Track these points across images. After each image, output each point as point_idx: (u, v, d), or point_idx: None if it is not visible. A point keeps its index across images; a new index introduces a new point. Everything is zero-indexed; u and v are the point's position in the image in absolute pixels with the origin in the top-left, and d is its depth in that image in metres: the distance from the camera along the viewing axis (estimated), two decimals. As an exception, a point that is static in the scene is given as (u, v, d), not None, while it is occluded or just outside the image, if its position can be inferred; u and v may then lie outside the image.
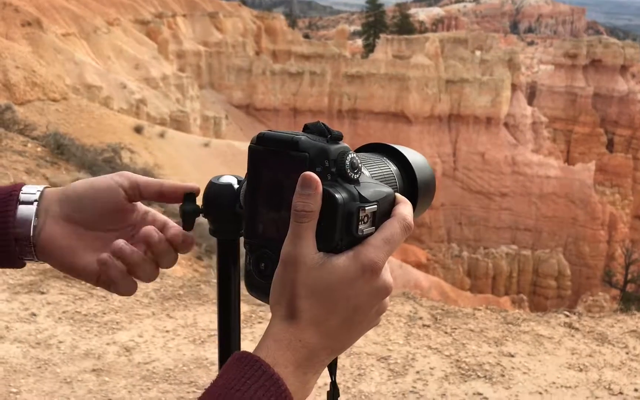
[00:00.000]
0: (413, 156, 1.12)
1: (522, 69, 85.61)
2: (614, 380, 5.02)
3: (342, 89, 67.47)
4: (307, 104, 67.11)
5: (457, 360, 5.18)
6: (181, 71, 59.20)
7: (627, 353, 5.50)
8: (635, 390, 4.95)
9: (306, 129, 1.01)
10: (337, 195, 0.91)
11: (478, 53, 68.83)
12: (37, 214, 1.05)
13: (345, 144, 0.98)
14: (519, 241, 67.72)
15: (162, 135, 36.58)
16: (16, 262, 1.07)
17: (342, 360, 5.18)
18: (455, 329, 5.69)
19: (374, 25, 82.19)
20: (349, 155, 0.95)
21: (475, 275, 58.73)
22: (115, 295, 5.53)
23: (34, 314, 5.76)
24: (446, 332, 5.63)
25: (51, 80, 32.54)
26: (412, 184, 1.10)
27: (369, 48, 78.89)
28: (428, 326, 5.71)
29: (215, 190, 1.09)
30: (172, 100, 52.09)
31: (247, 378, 0.84)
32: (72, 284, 6.33)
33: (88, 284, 6.14)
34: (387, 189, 0.98)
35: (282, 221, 0.95)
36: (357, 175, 0.95)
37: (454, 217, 70.11)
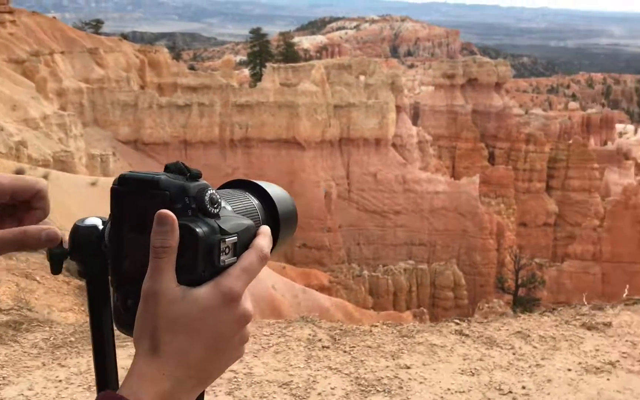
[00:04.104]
0: (274, 190, 1.22)
1: (405, 91, 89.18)
2: (503, 380, 5.24)
3: (232, 119, 67.23)
4: (197, 136, 66.25)
5: (357, 378, 5.21)
6: (62, 110, 56.67)
7: (513, 354, 5.75)
8: (523, 387, 5.18)
9: (167, 169, 1.08)
10: (197, 230, 0.99)
11: (362, 78, 71.00)
12: None
13: (205, 181, 1.05)
14: (415, 256, 69.94)
15: (45, 177, 34.75)
16: None
17: (244, 390, 5.06)
18: (354, 347, 5.73)
19: (260, 55, 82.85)
20: (208, 191, 1.03)
21: (377, 293, 59.90)
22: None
23: None
24: (345, 351, 5.66)
25: None
26: (274, 217, 1.19)
27: (257, 77, 79.33)
28: (327, 347, 5.72)
29: (81, 232, 1.12)
30: (54, 141, 49.69)
31: None
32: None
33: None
34: (248, 222, 1.07)
35: (147, 258, 1.00)
36: (217, 210, 1.03)
37: (353, 237, 71.39)
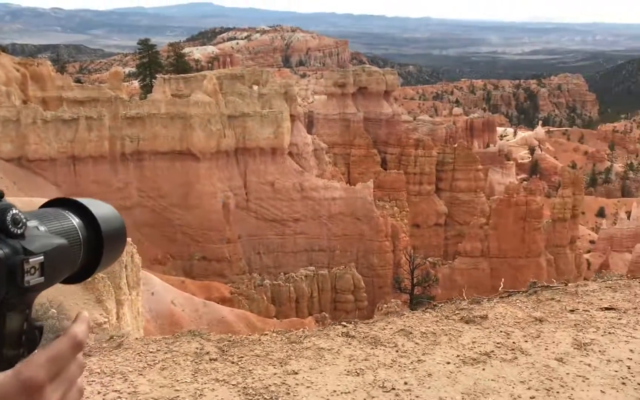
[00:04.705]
0: (98, 208, 1.19)
1: (299, 100, 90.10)
2: (386, 378, 5.43)
3: (123, 132, 65.06)
4: (86, 150, 63.57)
5: (245, 388, 5.22)
6: None
7: (397, 351, 5.98)
8: (405, 383, 5.40)
9: None
10: None
11: (256, 88, 70.98)
12: None
13: (7, 201, 1.03)
14: (316, 262, 70.67)
15: None
16: None
17: (131, 412, 4.92)
18: (242, 357, 5.74)
19: (149, 66, 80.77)
20: (11, 211, 1.00)
21: (280, 301, 59.94)
22: None
23: None
24: (233, 362, 5.65)
25: None
26: (97, 235, 1.17)
27: (147, 89, 77.26)
28: (215, 359, 5.69)
29: None
30: None
31: None
32: None
33: None
34: (59, 241, 1.05)
35: None
36: (22, 230, 1.00)
37: (252, 247, 71.03)
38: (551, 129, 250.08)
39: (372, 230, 73.29)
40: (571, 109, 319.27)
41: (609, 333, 6.78)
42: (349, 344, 6.08)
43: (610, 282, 8.77)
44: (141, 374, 5.39)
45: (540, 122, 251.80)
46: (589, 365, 6.01)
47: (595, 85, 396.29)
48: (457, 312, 7.17)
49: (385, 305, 52.85)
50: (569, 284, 8.60)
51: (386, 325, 6.53)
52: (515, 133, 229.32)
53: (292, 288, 61.18)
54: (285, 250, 71.73)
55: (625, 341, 6.60)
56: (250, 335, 6.38)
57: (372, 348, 5.99)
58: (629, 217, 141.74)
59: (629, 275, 9.91)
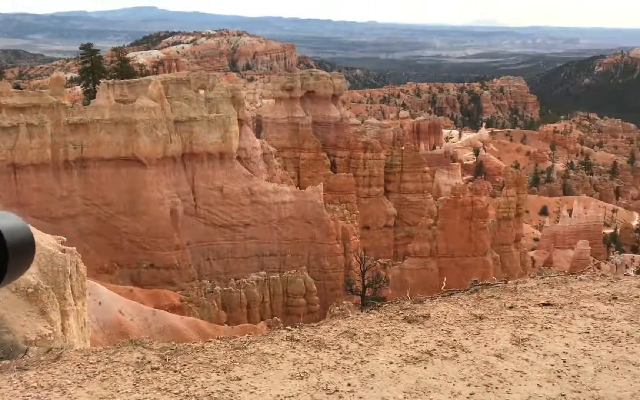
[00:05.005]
0: (3, 220, 1.16)
1: (246, 104, 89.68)
2: (330, 380, 5.49)
3: (66, 139, 63.39)
4: (27, 158, 61.64)
5: (187, 396, 5.19)
6: None
7: (340, 353, 6.04)
8: (349, 384, 5.47)
9: None
10: None
11: (202, 92, 70.29)
12: None
13: None
14: (267, 267, 70.44)
15: None
16: None
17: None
18: (185, 365, 5.71)
19: (92, 71, 78.93)
20: None
21: (231, 307, 59.51)
22: None
23: None
24: (176, 370, 5.61)
25: None
26: (1, 247, 1.16)
27: (90, 94, 75.48)
28: (157, 368, 5.63)
29: None
30: None
31: None
32: None
33: None
34: None
35: None
36: None
37: (202, 253, 70.24)
38: (494, 130, 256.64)
39: (322, 234, 73.59)
40: (513, 110, 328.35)
41: (546, 328, 7.01)
42: (294, 348, 6.11)
43: (548, 278, 9.07)
44: (80, 386, 5.29)
45: (484, 124, 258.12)
46: (527, 360, 6.21)
47: (536, 87, 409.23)
48: (400, 312, 7.30)
49: (337, 308, 53.13)
50: (509, 282, 8.86)
51: (331, 328, 6.59)
52: (460, 135, 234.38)
53: (243, 294, 60.85)
54: (235, 256, 71.25)
55: (561, 335, 6.84)
56: (193, 343, 6.34)
57: (317, 351, 6.03)
58: (570, 215, 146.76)
59: (569, 271, 10.27)
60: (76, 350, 6.23)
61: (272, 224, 72.30)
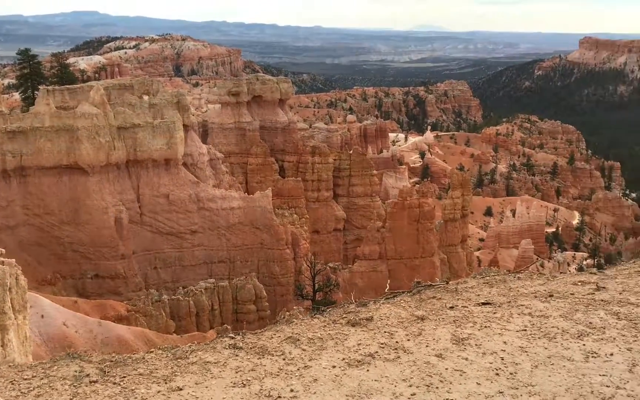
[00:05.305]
0: None
1: (192, 109, 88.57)
2: (273, 386, 5.48)
3: (4, 147, 61.31)
4: (-38, 169, 59.35)
5: (127, 409, 5.09)
6: None
7: (284, 359, 6.04)
8: (291, 390, 5.47)
9: None
10: None
11: (146, 98, 69.03)
12: None
13: None
14: (216, 274, 69.62)
15: None
16: None
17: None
18: (125, 377, 5.60)
19: (30, 77, 76.54)
20: None
21: (179, 316, 58.57)
22: None
23: None
24: (115, 383, 5.50)
25: None
26: None
27: (29, 101, 73.15)
28: (96, 382, 5.51)
29: None
30: None
31: None
32: None
33: None
34: None
35: None
36: None
37: (148, 262, 68.92)
38: (439, 133, 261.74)
39: (272, 239, 73.30)
40: (457, 114, 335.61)
41: (485, 327, 7.19)
42: (236, 355, 6.08)
43: (487, 278, 9.30)
44: (14, 405, 5.12)
45: (429, 128, 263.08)
46: (466, 359, 6.35)
47: (479, 90, 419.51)
48: (344, 315, 7.35)
49: (288, 314, 53.02)
50: (450, 282, 9.04)
51: (274, 334, 6.58)
52: (406, 138, 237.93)
53: (191, 302, 60.00)
54: (183, 264, 70.21)
55: (500, 334, 7.02)
56: (134, 353, 6.22)
57: (260, 358, 6.01)
58: (514, 215, 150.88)
59: (513, 270, 10.53)
60: (10, 365, 6.03)
61: (220, 231, 71.58)
